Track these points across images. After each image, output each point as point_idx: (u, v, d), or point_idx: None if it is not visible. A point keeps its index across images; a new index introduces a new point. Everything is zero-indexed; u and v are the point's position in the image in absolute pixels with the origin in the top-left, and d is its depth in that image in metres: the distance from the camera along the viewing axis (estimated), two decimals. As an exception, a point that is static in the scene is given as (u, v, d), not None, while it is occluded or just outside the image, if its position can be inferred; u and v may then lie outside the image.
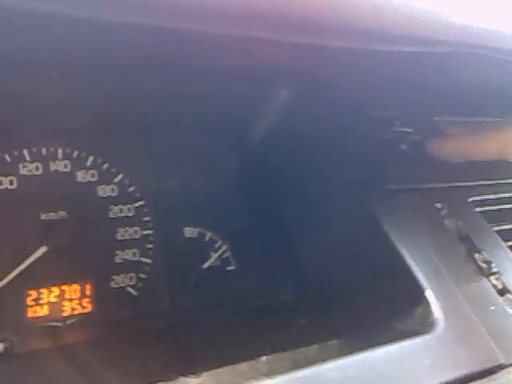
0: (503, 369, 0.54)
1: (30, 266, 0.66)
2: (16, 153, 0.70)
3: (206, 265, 0.79)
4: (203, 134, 0.85)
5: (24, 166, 0.70)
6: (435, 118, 0.84)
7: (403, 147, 0.76)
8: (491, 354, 0.55)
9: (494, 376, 0.53)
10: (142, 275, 0.74)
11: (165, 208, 0.78)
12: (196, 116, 0.78)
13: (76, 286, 0.69)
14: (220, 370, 0.45)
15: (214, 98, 0.69)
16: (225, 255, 0.81)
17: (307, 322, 0.62)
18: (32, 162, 0.71)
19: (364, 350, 0.49)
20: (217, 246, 0.81)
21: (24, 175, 0.70)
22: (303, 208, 0.78)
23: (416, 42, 0.54)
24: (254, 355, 0.48)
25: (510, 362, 0.55)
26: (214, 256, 0.80)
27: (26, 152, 0.71)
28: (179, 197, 0.80)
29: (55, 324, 0.66)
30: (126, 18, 0.33)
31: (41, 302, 0.66)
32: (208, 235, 0.80)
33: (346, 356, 0.48)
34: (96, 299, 0.70)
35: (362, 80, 0.67)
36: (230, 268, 0.81)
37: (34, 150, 0.71)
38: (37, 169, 0.71)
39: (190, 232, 0.80)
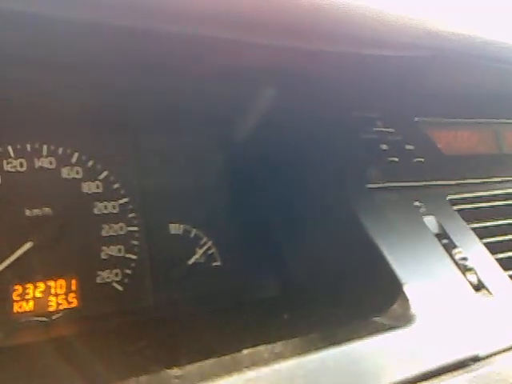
0: (478, 361, 0.56)
1: (15, 261, 0.66)
2: (0, 149, 0.70)
3: (191, 261, 0.80)
4: (189, 132, 0.85)
5: (8, 163, 0.70)
6: (416, 119, 0.86)
7: (384, 147, 0.77)
8: (467, 347, 0.57)
9: (470, 368, 0.55)
10: (128, 271, 0.75)
11: (150, 205, 0.78)
12: (182, 114, 0.78)
13: (62, 282, 0.70)
14: (203, 363, 0.46)
15: (199, 97, 0.70)
16: (210, 251, 0.82)
17: (289, 317, 0.64)
18: (16, 158, 0.71)
19: (343, 343, 0.50)
20: (202, 242, 0.82)
21: (8, 171, 0.70)
22: (287, 206, 0.79)
23: (398, 46, 0.56)
24: (236, 348, 0.49)
25: (484, 355, 0.57)
26: (199, 252, 0.81)
27: (10, 148, 0.71)
28: (164, 194, 0.80)
29: (41, 319, 0.67)
30: (115, 19, 0.34)
31: (26, 297, 0.67)
32: (193, 232, 0.81)
33: (325, 348, 0.49)
34: (82, 294, 0.70)
35: (346, 82, 0.69)
36: (214, 264, 0.82)
37: (19, 146, 0.71)
38: (21, 165, 0.71)
39: (175, 228, 0.80)
